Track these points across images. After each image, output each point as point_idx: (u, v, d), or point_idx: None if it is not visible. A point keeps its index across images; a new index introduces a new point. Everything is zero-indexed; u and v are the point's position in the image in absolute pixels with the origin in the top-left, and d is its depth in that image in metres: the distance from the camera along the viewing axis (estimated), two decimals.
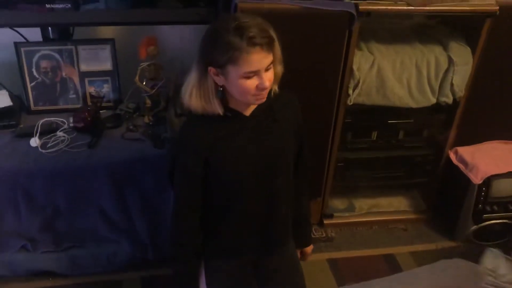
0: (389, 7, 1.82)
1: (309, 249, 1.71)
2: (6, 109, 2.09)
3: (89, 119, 2.05)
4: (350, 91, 2.01)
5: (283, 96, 1.42)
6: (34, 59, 2.10)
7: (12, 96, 2.15)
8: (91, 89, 2.20)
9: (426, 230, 2.44)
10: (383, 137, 2.25)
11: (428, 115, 2.23)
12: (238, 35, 1.19)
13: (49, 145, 1.98)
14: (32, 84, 2.13)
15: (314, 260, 2.19)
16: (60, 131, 2.06)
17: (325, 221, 2.37)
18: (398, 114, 2.17)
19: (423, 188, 2.51)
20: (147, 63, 2.10)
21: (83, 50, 2.14)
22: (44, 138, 2.01)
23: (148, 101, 2.15)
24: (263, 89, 1.26)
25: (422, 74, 2.03)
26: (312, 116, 1.97)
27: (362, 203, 2.47)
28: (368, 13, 1.81)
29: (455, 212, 2.34)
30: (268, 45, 1.21)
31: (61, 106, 2.19)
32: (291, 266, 1.59)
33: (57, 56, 2.12)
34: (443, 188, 2.43)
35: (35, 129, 2.01)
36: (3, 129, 2.05)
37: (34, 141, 1.98)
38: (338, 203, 2.46)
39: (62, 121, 2.10)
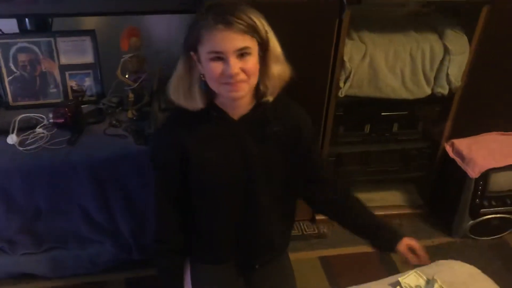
0: None
1: (408, 243, 1.39)
2: None
3: (69, 114, 1.95)
4: (342, 83, 1.93)
5: (288, 109, 1.33)
6: (11, 52, 2.00)
7: None
8: (72, 83, 2.11)
9: (422, 225, 2.36)
10: (377, 130, 2.17)
11: (423, 107, 2.14)
12: (206, 12, 1.14)
13: (28, 142, 1.89)
14: (10, 78, 2.03)
15: (305, 257, 2.13)
16: (39, 128, 1.96)
17: (317, 217, 2.29)
18: (392, 106, 2.08)
19: (419, 182, 2.44)
20: (130, 55, 2.01)
21: (62, 42, 2.03)
22: (22, 135, 1.91)
23: (131, 95, 2.05)
24: (230, 76, 1.14)
25: (416, 64, 1.95)
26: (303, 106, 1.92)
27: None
28: (358, 1, 1.72)
29: (452, 207, 2.27)
30: (241, 27, 1.11)
31: (42, 101, 2.09)
32: (282, 277, 1.50)
33: (35, 48, 2.02)
34: (439, 182, 2.35)
35: (11, 126, 1.93)
36: None
37: (11, 139, 1.89)
38: None
39: (42, 117, 2.01)
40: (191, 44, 1.18)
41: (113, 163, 1.86)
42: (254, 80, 1.20)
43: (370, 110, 2.09)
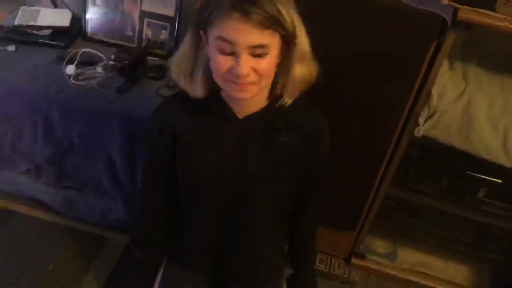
0: (502, 24, 1.30)
1: None
2: (61, 29, 2.01)
3: (128, 61, 1.89)
4: (421, 120, 1.55)
5: (306, 118, 1.13)
6: None
7: (74, 19, 2.08)
8: (148, 32, 2.02)
9: None
10: (456, 189, 1.73)
11: None
12: None
13: (82, 77, 1.87)
14: (92, 9, 2.02)
15: None
16: (99, 66, 1.93)
17: (354, 260, 1.96)
18: (484, 167, 1.63)
19: (494, 265, 1.95)
20: None
21: None
22: (81, 68, 1.90)
23: None
24: (238, 76, 0.95)
25: None
26: (362, 138, 1.59)
27: (408, 255, 2.00)
28: (469, 26, 1.32)
29: None
30: (261, 19, 0.90)
31: (116, 41, 2.05)
32: None
33: None
34: None
35: (76, 57, 1.91)
36: (51, 47, 1.97)
37: (70, 69, 1.88)
38: (378, 245, 2.02)
39: (107, 56, 1.97)
40: (202, 21, 0.97)
41: None
42: (266, 82, 1.02)
43: (453, 163, 1.67)
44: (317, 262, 1.94)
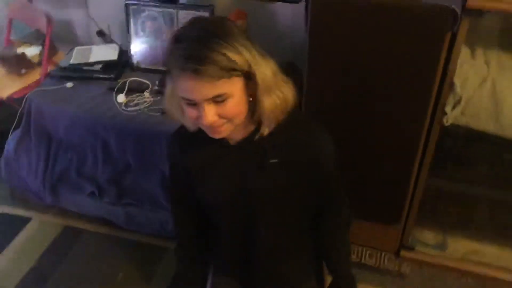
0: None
1: None
2: (110, 63, 2.23)
3: None
4: (448, 109, 1.57)
5: (294, 136, 1.11)
6: (140, 19, 2.17)
7: (121, 52, 2.28)
8: None
9: None
10: (496, 173, 1.73)
11: None
12: (174, 47, 0.94)
13: (132, 103, 2.06)
14: (136, 40, 2.21)
15: None
16: (146, 92, 2.11)
17: (403, 253, 1.97)
18: None
19: None
20: None
21: (183, 14, 2.11)
22: (130, 96, 2.10)
23: None
24: (206, 124, 0.98)
25: None
26: (395, 131, 1.64)
27: (459, 244, 1.98)
28: (479, 11, 1.34)
29: None
30: (213, 74, 0.91)
31: (160, 67, 2.23)
32: None
33: (160, 18, 2.14)
34: None
35: (125, 87, 2.11)
36: (103, 80, 2.19)
37: (121, 97, 2.08)
38: (428, 236, 2.02)
39: (152, 82, 2.15)
40: (168, 73, 1.01)
41: None
42: (239, 119, 1.03)
43: (488, 148, 1.67)
44: (367, 257, 1.98)
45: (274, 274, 1.31)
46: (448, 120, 1.59)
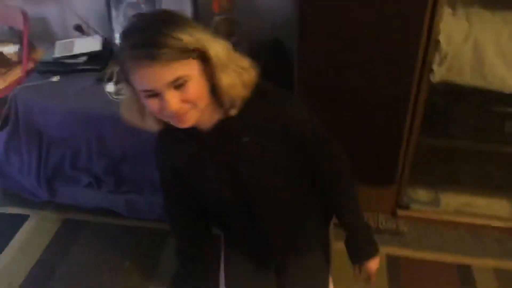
0: None
1: (368, 266, 1.31)
2: (94, 54, 2.22)
3: None
4: (435, 67, 1.65)
5: (260, 110, 1.09)
6: (122, 8, 2.16)
7: (104, 42, 2.28)
8: None
9: None
10: (484, 127, 1.83)
11: None
12: (123, 41, 0.95)
13: (122, 91, 2.06)
14: (119, 29, 2.20)
15: None
16: None
17: (399, 212, 2.07)
18: (505, 100, 1.72)
19: None
20: (221, 17, 2.01)
21: (165, 1, 2.13)
22: (119, 84, 2.09)
23: None
24: (171, 113, 0.98)
25: None
26: (385, 90, 1.70)
27: (452, 199, 2.09)
28: None
29: None
30: (167, 57, 0.91)
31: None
32: (310, 276, 1.38)
33: (142, 6, 2.15)
34: None
35: (113, 76, 2.11)
36: (89, 72, 2.18)
37: (110, 87, 2.08)
38: (421, 194, 2.12)
39: None
40: (122, 73, 1.00)
41: None
42: (203, 103, 1.03)
43: (475, 102, 1.77)
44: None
45: (282, 243, 1.33)
46: (435, 77, 1.68)
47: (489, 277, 1.84)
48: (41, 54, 2.43)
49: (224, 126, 1.10)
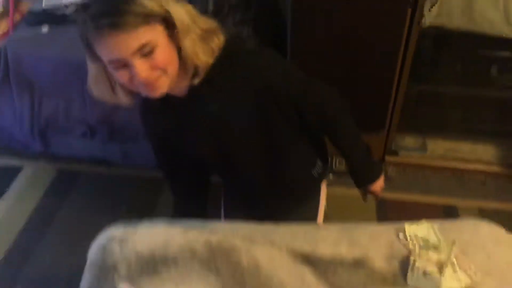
0: None
1: (372, 188, 1.37)
2: None
3: None
4: (425, 11, 1.68)
5: (232, 72, 1.07)
6: None
7: None
8: None
9: (509, 187, 2.06)
10: (470, 71, 1.88)
11: None
12: (83, 13, 0.92)
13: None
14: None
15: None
16: None
17: (388, 158, 2.14)
18: (492, 44, 1.77)
19: None
20: None
21: None
22: None
23: (212, 6, 2.07)
24: (142, 81, 0.95)
25: None
26: (376, 37, 1.73)
27: (438, 145, 2.16)
28: None
29: None
30: (131, 23, 0.89)
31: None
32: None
33: None
34: None
35: None
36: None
37: None
38: (409, 141, 2.19)
39: None
40: (85, 44, 0.96)
41: None
42: (173, 69, 1.00)
43: (463, 46, 1.81)
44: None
45: (278, 191, 1.35)
46: (426, 21, 1.71)
47: (473, 216, 1.92)
48: (27, 5, 2.39)
49: (193, 93, 1.08)
